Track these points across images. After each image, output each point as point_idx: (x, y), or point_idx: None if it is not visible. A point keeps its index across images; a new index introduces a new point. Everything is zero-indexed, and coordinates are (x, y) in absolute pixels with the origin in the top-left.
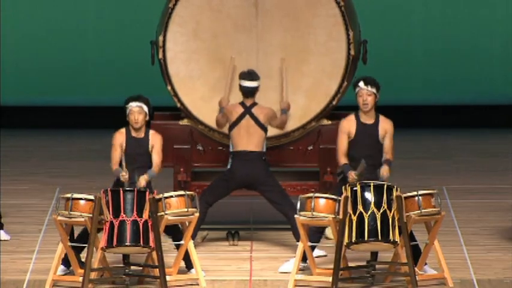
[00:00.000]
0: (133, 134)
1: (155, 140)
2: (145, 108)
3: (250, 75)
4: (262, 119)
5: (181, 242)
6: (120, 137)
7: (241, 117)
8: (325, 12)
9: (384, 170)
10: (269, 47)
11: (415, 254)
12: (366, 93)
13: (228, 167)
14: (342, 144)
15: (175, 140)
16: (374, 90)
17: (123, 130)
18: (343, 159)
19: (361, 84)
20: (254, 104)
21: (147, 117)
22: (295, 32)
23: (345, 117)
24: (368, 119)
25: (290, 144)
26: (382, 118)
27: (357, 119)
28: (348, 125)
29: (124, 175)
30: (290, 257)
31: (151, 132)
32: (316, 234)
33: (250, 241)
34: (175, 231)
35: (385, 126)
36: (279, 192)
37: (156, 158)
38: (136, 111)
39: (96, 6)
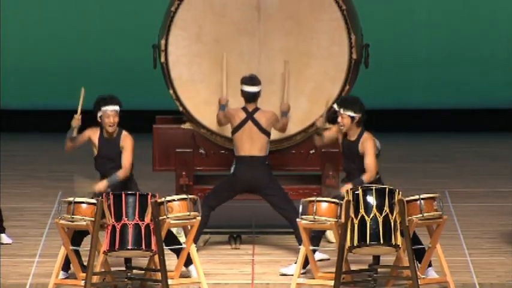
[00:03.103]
0: (106, 135)
1: (125, 141)
2: (118, 108)
3: (252, 80)
4: (264, 123)
5: (183, 246)
6: (91, 132)
7: (243, 123)
8: (328, 16)
9: (344, 188)
10: (271, 51)
11: (421, 256)
12: (340, 115)
13: (232, 171)
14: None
15: (178, 144)
16: (349, 113)
17: (97, 129)
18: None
19: (335, 106)
20: (256, 109)
21: (119, 119)
22: (298, 36)
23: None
24: (351, 136)
25: (292, 147)
26: (364, 136)
27: (344, 134)
28: (338, 131)
29: (99, 188)
30: (292, 260)
31: (124, 133)
32: (315, 238)
33: (252, 245)
34: (169, 237)
35: (364, 146)
36: (282, 196)
37: (124, 160)
38: (112, 114)
39: (99, 10)
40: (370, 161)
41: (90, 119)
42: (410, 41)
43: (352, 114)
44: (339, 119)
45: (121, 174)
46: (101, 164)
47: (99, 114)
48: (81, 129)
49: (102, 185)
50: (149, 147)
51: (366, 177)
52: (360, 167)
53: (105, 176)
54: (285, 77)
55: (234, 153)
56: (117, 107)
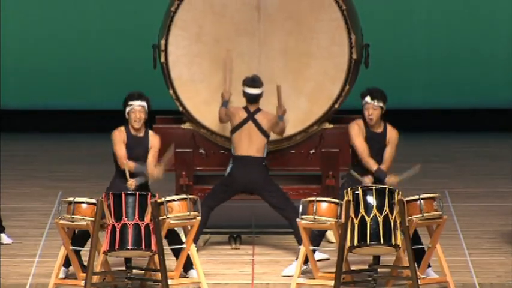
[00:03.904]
0: (133, 132)
1: (154, 142)
2: (147, 107)
3: (254, 81)
4: (265, 125)
5: (183, 246)
6: (120, 134)
7: (243, 123)
8: (328, 16)
9: (367, 179)
10: (271, 51)
11: (421, 256)
12: (371, 107)
13: (228, 171)
14: (363, 146)
15: (178, 144)
16: (380, 104)
17: (122, 128)
18: (372, 163)
19: (368, 99)
20: (258, 110)
21: (146, 115)
22: (298, 36)
23: (354, 121)
24: (376, 128)
25: (292, 147)
26: (389, 127)
27: (365, 125)
28: (360, 129)
29: (131, 184)
30: (292, 260)
31: (151, 132)
32: (317, 237)
33: (252, 245)
34: (172, 236)
35: (391, 135)
36: (280, 196)
37: (152, 160)
38: (139, 110)
39: (99, 10)
40: (392, 153)
41: (92, 120)
42: (410, 41)
43: (382, 104)
44: (370, 112)
45: (149, 170)
46: (128, 159)
47: (126, 110)
48: (87, 131)
49: (132, 164)
50: None
51: (385, 167)
52: (381, 158)
53: (124, 174)
54: (279, 99)
55: (232, 152)
56: (144, 103)
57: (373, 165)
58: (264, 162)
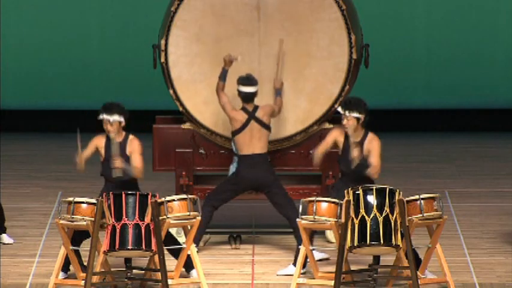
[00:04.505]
0: (112, 139)
1: (133, 146)
2: (117, 118)
3: (249, 80)
4: (266, 120)
5: (183, 245)
6: (98, 140)
7: (246, 124)
8: (328, 16)
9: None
10: (271, 51)
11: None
12: (345, 118)
13: (234, 170)
14: (326, 143)
15: (178, 144)
16: (354, 115)
17: (103, 136)
18: (317, 151)
19: (340, 109)
20: (256, 107)
21: (123, 124)
22: (298, 36)
23: (339, 127)
24: (356, 137)
25: (292, 148)
26: (369, 137)
27: (346, 134)
28: (338, 135)
29: (117, 161)
30: (292, 260)
31: (130, 137)
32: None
33: (252, 245)
34: (166, 238)
35: (370, 145)
36: (283, 195)
37: (135, 162)
38: (108, 122)
39: (99, 10)
40: (376, 160)
41: (92, 120)
42: (410, 41)
43: (357, 115)
44: (344, 121)
45: (135, 171)
46: (107, 168)
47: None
48: (87, 131)
49: (120, 162)
50: (149, 147)
51: (372, 171)
52: (361, 167)
53: (111, 181)
54: (279, 56)
55: (236, 152)
56: (112, 117)
57: (317, 152)
58: (268, 159)
